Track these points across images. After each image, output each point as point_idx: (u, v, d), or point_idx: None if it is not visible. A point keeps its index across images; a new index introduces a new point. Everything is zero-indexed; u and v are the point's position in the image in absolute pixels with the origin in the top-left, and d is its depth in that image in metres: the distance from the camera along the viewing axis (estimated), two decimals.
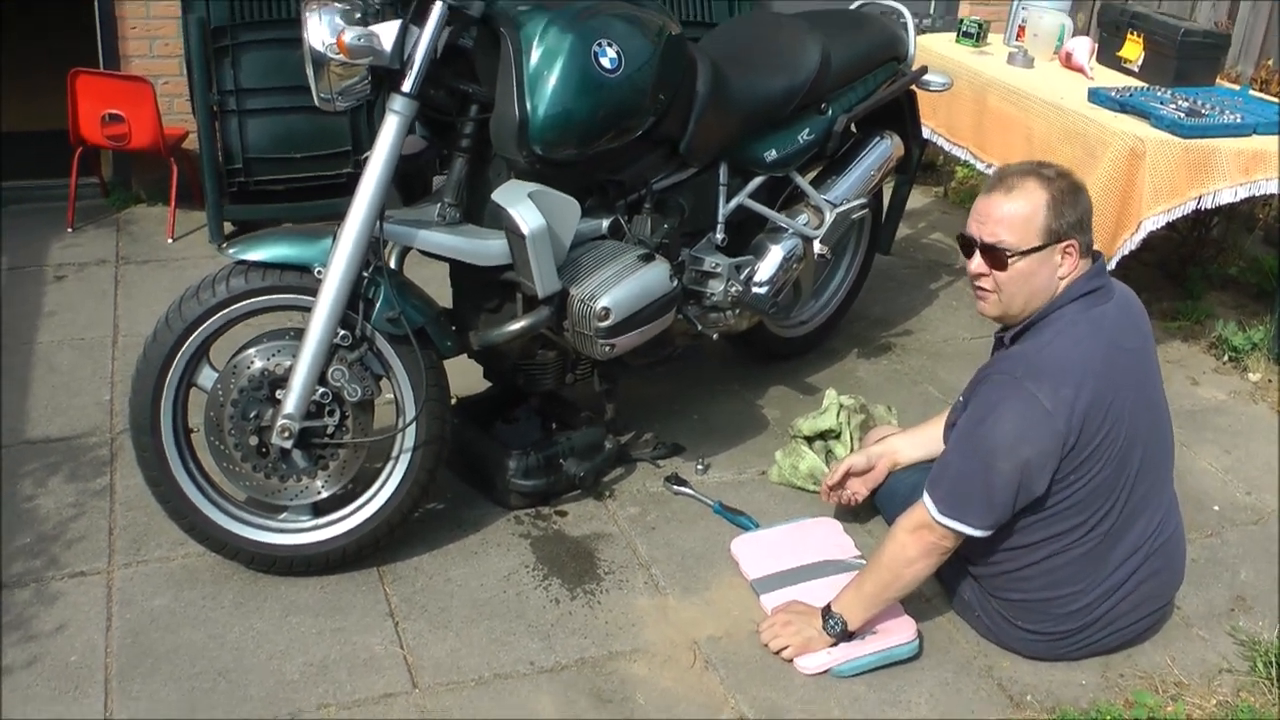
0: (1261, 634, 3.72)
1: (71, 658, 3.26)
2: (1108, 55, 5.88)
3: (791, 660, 3.43)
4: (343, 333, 3.41)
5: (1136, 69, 5.68)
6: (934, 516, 3.27)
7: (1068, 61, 5.79)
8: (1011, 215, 3.28)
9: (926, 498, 3.32)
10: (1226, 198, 4.92)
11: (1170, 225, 4.96)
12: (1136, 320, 3.44)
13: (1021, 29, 6.02)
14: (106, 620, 3.40)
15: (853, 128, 4.72)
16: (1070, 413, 3.16)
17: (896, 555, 3.34)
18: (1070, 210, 3.26)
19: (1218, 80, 5.71)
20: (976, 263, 3.37)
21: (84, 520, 3.79)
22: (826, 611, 3.42)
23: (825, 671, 3.41)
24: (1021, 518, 3.33)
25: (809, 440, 4.31)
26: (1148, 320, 3.52)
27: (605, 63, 3.57)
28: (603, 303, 3.59)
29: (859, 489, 3.96)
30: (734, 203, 4.31)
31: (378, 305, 3.43)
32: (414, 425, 3.57)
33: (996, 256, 3.31)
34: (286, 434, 3.42)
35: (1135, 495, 3.37)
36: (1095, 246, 3.43)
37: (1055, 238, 3.26)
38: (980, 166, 5.64)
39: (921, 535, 3.30)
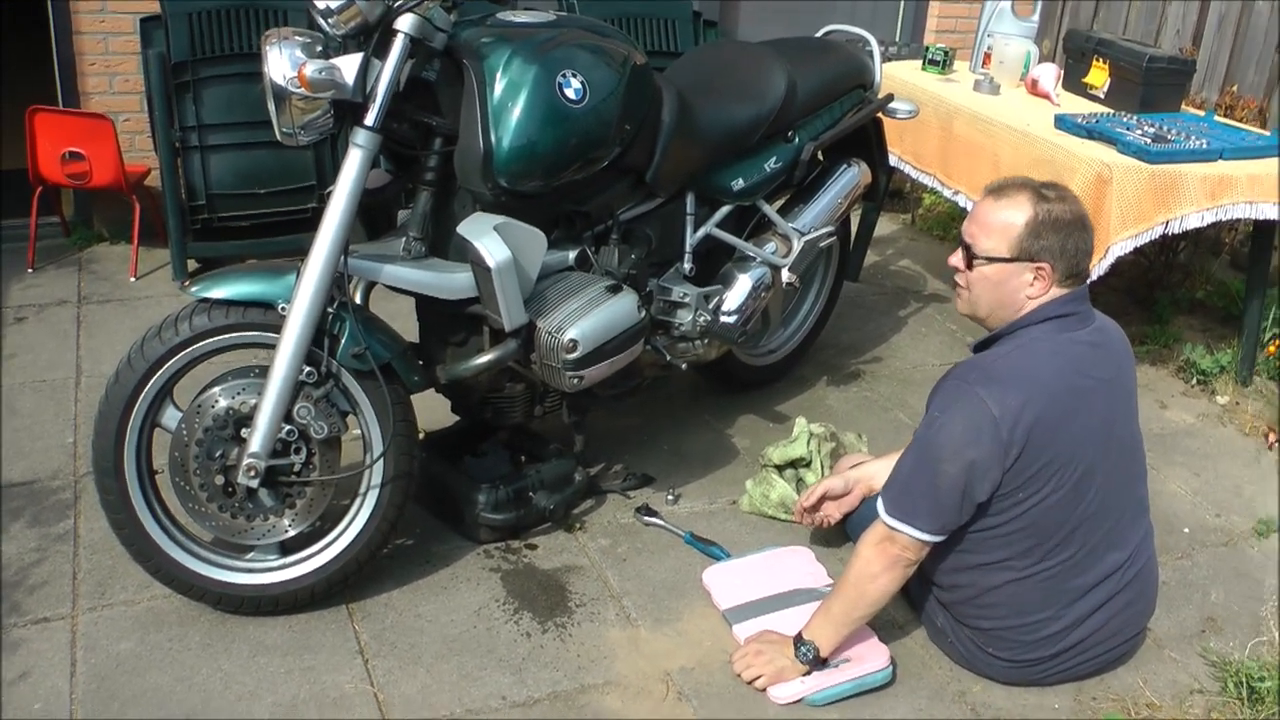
0: (1232, 654, 3.74)
1: (36, 705, 3.21)
2: (1073, 82, 5.90)
3: (765, 690, 3.41)
4: (308, 369, 3.37)
5: (1102, 95, 5.69)
6: (884, 519, 3.29)
7: (1033, 88, 5.80)
8: (990, 221, 3.34)
9: (879, 501, 3.34)
10: (1194, 223, 4.92)
11: (1138, 250, 4.97)
12: (1114, 354, 3.43)
13: (987, 56, 6.04)
14: (71, 666, 3.35)
15: (820, 156, 4.72)
16: (1015, 422, 3.16)
17: (861, 571, 3.33)
18: (1051, 235, 3.26)
19: (1183, 106, 5.73)
20: (956, 256, 3.44)
21: (47, 565, 3.74)
22: (798, 640, 3.41)
23: (799, 701, 3.39)
24: (976, 531, 3.34)
25: (779, 469, 4.30)
26: (1130, 357, 3.53)
27: (570, 94, 3.55)
28: (570, 335, 3.57)
29: (833, 512, 3.95)
30: (701, 232, 4.30)
31: (343, 341, 3.40)
32: (381, 461, 3.53)
33: (968, 254, 3.38)
34: (253, 473, 3.38)
35: (1101, 527, 3.37)
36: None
37: (1026, 256, 3.28)
38: (947, 193, 5.64)
39: (884, 548, 3.30)
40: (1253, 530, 4.45)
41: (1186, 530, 4.42)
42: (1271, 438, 5.13)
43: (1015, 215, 3.29)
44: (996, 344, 3.40)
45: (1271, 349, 5.68)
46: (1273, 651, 3.73)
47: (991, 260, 3.33)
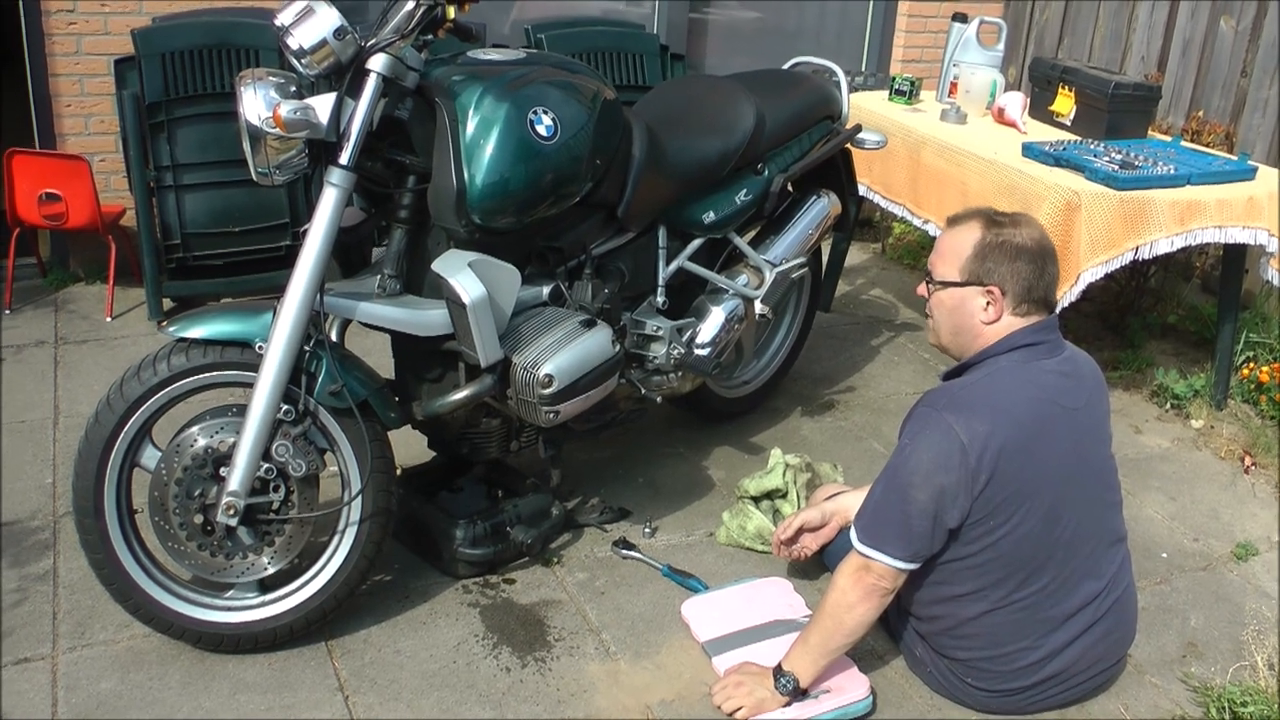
0: (1214, 679, 3.75)
1: None
2: (1040, 109, 5.94)
3: None
4: (285, 408, 3.39)
5: (1069, 123, 5.74)
6: (857, 547, 3.31)
7: (1000, 117, 5.84)
8: (944, 248, 3.46)
9: (852, 530, 3.37)
10: (1163, 248, 4.95)
11: (1108, 275, 4.99)
12: (1084, 383, 3.46)
13: (954, 85, 6.08)
14: (52, 706, 3.34)
15: (789, 187, 4.74)
16: (984, 447, 3.19)
17: (838, 601, 3.33)
18: (999, 259, 3.34)
19: (1149, 132, 5.78)
20: (921, 285, 3.54)
21: (27, 606, 3.73)
22: (778, 671, 3.41)
23: None
24: (949, 561, 3.36)
25: (755, 500, 4.31)
26: (1101, 388, 3.55)
27: (541, 130, 3.58)
28: (546, 370, 3.58)
29: (810, 544, 3.97)
30: (674, 265, 4.32)
31: (320, 379, 3.41)
32: (360, 498, 3.55)
33: (928, 281, 3.49)
34: (232, 511, 3.38)
35: (1075, 556, 3.38)
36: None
37: (975, 279, 3.37)
38: (917, 222, 5.66)
39: (860, 577, 3.30)
40: (1231, 554, 4.48)
41: (1164, 555, 4.44)
42: (1247, 461, 5.16)
43: (965, 240, 3.39)
44: (966, 373, 3.44)
45: (1245, 372, 5.72)
46: (1254, 676, 3.74)
47: (945, 285, 3.42)
